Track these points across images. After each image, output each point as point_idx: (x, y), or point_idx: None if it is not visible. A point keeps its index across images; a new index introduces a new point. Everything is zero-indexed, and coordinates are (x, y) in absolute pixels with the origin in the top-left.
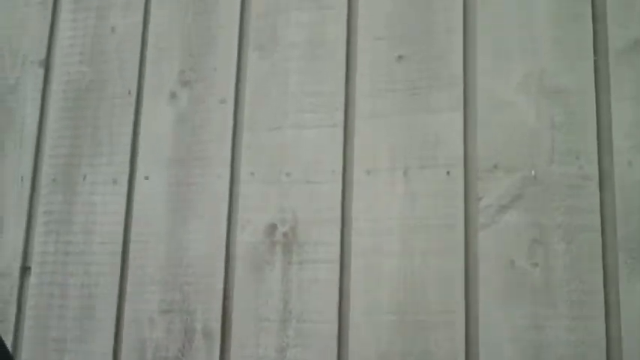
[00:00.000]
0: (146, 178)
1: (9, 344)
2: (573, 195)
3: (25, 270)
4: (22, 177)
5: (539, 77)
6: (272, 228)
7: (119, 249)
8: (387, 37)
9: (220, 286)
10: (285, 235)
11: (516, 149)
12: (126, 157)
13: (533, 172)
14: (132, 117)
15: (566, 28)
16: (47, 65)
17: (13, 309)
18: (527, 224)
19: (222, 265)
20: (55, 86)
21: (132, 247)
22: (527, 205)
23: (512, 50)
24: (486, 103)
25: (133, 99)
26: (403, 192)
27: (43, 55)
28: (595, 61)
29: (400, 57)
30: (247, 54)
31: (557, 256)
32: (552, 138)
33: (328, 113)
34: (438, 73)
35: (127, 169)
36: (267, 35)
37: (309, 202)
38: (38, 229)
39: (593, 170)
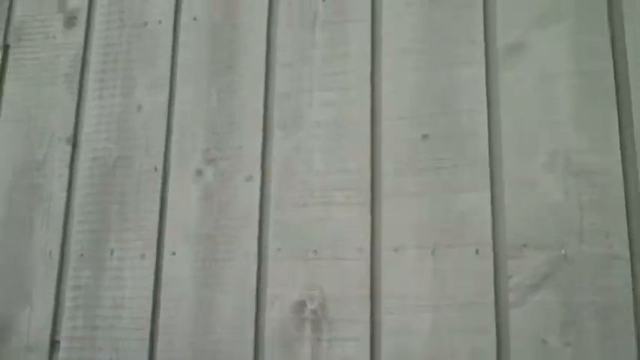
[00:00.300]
0: (173, 253)
1: None
2: (604, 274)
3: (53, 344)
4: (50, 252)
5: (565, 156)
6: (300, 305)
7: (147, 325)
8: (411, 117)
9: None
10: (314, 312)
11: (545, 228)
12: (153, 233)
13: (563, 250)
14: (158, 193)
15: (590, 106)
16: (74, 142)
17: None
18: (559, 303)
19: (252, 342)
20: (82, 163)
21: (160, 322)
22: (557, 284)
23: (537, 128)
24: (513, 182)
25: (159, 175)
26: (432, 270)
27: (70, 132)
28: (621, 139)
29: (425, 136)
30: (272, 132)
31: (589, 335)
32: (581, 217)
33: (355, 191)
34: (463, 152)
35: (154, 245)
36: (292, 114)
37: (337, 280)
38: (67, 303)
39: (624, 249)
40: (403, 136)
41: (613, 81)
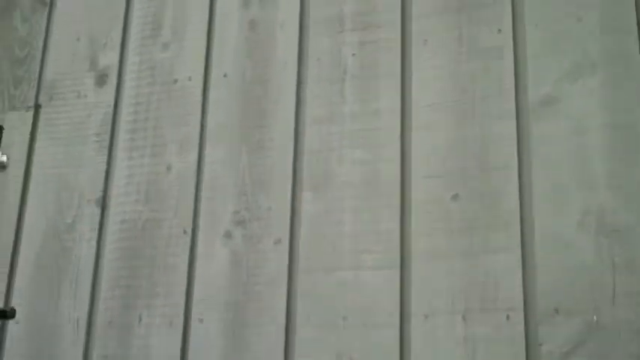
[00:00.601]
0: (200, 320)
1: None
2: (638, 341)
3: None
4: (77, 319)
5: (598, 215)
6: None
7: None
8: (441, 176)
9: None
10: None
11: (577, 292)
12: (181, 299)
13: (595, 317)
14: (187, 257)
15: (623, 162)
16: (103, 204)
17: None
18: None
19: None
20: (111, 225)
21: None
22: (590, 352)
23: (569, 187)
24: (545, 243)
25: (188, 238)
26: (463, 337)
27: (99, 193)
28: None
29: (455, 196)
30: (301, 193)
31: None
32: (614, 280)
33: (384, 254)
34: (495, 212)
35: (182, 311)
36: (321, 174)
37: (366, 347)
38: None
39: None
40: (434, 196)
41: None
